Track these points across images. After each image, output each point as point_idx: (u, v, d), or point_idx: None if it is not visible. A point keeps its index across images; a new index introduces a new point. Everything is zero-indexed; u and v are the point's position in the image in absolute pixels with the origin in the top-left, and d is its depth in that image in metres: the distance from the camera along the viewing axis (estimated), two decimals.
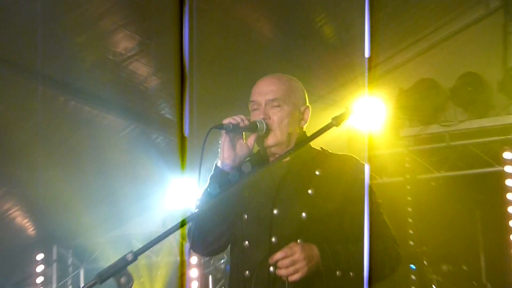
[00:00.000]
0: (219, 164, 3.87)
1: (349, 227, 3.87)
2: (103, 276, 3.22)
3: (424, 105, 9.54)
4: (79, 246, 11.37)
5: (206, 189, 3.89)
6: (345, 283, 3.72)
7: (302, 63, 8.36)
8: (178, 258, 10.56)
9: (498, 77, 9.38)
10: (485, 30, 9.79)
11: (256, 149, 4.02)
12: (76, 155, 9.16)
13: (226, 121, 3.76)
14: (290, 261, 3.57)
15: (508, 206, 9.36)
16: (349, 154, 4.11)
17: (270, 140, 3.92)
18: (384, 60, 9.97)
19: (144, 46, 7.99)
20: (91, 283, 3.37)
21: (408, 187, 9.72)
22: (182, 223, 3.53)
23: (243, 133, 3.89)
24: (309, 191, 3.85)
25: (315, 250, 3.66)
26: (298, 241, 3.70)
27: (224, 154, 3.86)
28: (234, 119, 3.77)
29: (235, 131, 3.81)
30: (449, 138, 9.70)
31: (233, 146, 3.87)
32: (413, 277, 8.45)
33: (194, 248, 4.07)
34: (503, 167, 9.52)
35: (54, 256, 11.40)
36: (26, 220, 10.49)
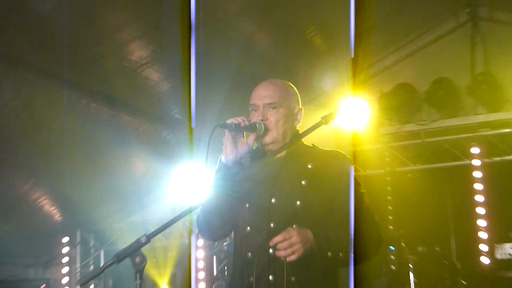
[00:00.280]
0: (222, 159, 3.90)
1: (338, 213, 3.89)
2: (120, 257, 3.28)
3: (402, 106, 9.55)
4: (100, 230, 11.37)
5: (212, 181, 3.91)
6: (335, 262, 3.80)
7: (295, 69, 8.36)
8: (187, 241, 10.56)
9: (466, 82, 9.39)
10: (455, 41, 9.79)
11: (255, 146, 4.03)
12: (97, 150, 9.15)
13: (229, 121, 3.81)
14: (288, 243, 3.61)
15: (475, 195, 9.41)
16: (337, 150, 4.13)
17: (268, 139, 3.96)
18: (367, 67, 9.97)
19: (156, 55, 7.98)
20: (110, 262, 3.39)
21: (388, 178, 9.76)
22: (189, 210, 3.56)
23: (244, 132, 3.91)
24: (303, 182, 3.90)
25: (309, 234, 3.70)
26: (294, 226, 3.73)
27: (227, 151, 3.89)
28: (236, 119, 3.82)
29: (236, 130, 3.85)
30: (424, 135, 9.72)
31: (235, 143, 3.91)
32: (392, 257, 8.45)
33: (202, 234, 4.17)
34: (471, 160, 9.57)
35: (78, 239, 11.41)
36: (53, 208, 10.49)
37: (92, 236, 11.51)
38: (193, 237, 10.26)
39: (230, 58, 8.07)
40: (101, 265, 5.40)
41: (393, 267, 8.45)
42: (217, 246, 10.39)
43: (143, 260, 3.39)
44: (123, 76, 8.17)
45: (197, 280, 10.24)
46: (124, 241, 9.41)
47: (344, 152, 4.12)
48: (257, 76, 4.61)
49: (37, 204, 10.14)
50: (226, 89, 8.06)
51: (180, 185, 9.27)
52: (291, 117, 4.09)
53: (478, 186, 9.42)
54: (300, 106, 4.17)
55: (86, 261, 11.44)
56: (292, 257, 3.63)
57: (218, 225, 4.05)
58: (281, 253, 3.63)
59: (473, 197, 9.40)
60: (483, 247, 9.08)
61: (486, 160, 9.51)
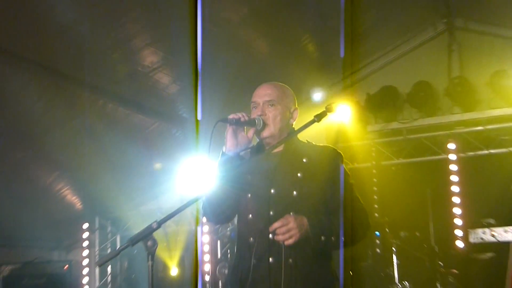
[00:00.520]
0: (224, 150, 3.96)
1: (330, 202, 3.92)
2: (134, 240, 3.32)
3: (386, 107, 9.57)
4: (116, 217, 11.36)
5: (216, 172, 3.95)
6: (328, 246, 3.85)
7: (291, 73, 8.34)
8: (194, 227, 10.56)
9: (444, 85, 9.42)
10: (433, 48, 9.82)
11: (254, 139, 4.08)
12: (113, 146, 9.14)
13: (230, 116, 3.87)
14: (286, 229, 3.67)
15: (451, 185, 9.43)
16: (329, 145, 4.19)
17: (265, 133, 4.01)
18: (355, 72, 9.97)
19: (166, 60, 7.97)
20: (125, 245, 3.43)
21: (374, 171, 9.77)
22: (196, 199, 3.66)
23: (244, 126, 3.98)
24: (299, 175, 3.93)
25: (305, 220, 3.75)
26: (291, 213, 3.76)
27: (228, 143, 3.96)
28: (236, 115, 3.88)
29: (237, 124, 3.91)
30: (406, 132, 9.73)
31: (235, 136, 3.97)
32: (377, 241, 8.44)
33: (207, 218, 4.20)
34: (447, 155, 9.59)
35: (97, 225, 11.40)
36: (74, 197, 10.50)
37: (109, 222, 11.50)
38: (199, 224, 10.27)
39: (231, 63, 8.07)
40: (117, 248, 5.40)
41: (378, 250, 8.44)
42: (221, 231, 10.40)
43: (155, 243, 3.42)
44: (136, 79, 8.17)
45: (203, 262, 10.25)
46: (138, 227, 9.39)
47: (334, 147, 4.15)
48: (256, 79, 4.63)
49: (60, 194, 10.15)
50: (228, 90, 8.06)
51: (187, 177, 9.27)
52: (287, 114, 4.13)
53: (454, 178, 9.43)
54: (296, 106, 4.21)
55: (104, 244, 11.42)
56: (290, 241, 3.69)
57: (220, 211, 4.10)
58: (279, 238, 3.69)
59: (450, 188, 9.41)
60: (458, 232, 9.10)
61: (461, 154, 9.52)
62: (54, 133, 8.34)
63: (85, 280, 10.97)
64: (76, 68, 7.69)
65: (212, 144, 3.88)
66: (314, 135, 4.40)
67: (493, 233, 8.07)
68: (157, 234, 3.44)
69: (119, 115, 8.77)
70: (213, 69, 7.59)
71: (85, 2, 6.72)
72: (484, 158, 9.41)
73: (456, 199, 9.33)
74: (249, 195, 4.00)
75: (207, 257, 10.34)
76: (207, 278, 10.10)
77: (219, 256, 10.38)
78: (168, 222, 3.59)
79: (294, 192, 3.91)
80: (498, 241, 7.99)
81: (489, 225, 8.18)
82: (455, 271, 8.08)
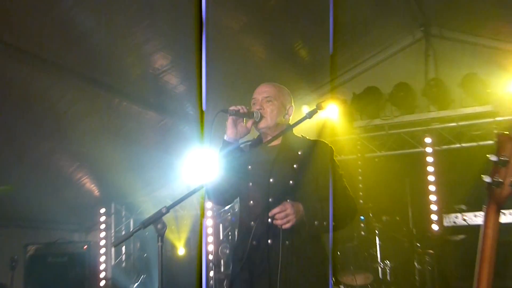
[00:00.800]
0: (225, 138, 4.04)
1: (322, 190, 3.93)
2: (145, 224, 3.33)
3: (370, 105, 9.55)
4: (130, 203, 11.33)
5: (218, 159, 4.05)
6: (320, 229, 3.86)
7: (285, 75, 8.29)
8: (199, 212, 10.54)
9: (421, 86, 9.41)
10: (412, 53, 9.80)
11: (253, 133, 4.15)
12: (127, 139, 9.13)
13: (231, 108, 3.97)
14: (284, 214, 3.69)
15: (428, 175, 9.42)
16: (321, 140, 4.20)
17: (262, 124, 4.07)
18: (342, 74, 9.99)
19: (174, 63, 7.95)
20: (137, 228, 3.40)
21: (359, 162, 9.76)
22: (200, 187, 3.69)
23: (244, 118, 4.04)
24: (294, 166, 3.97)
25: (300, 206, 3.78)
26: (288, 200, 3.77)
27: (228, 131, 4.04)
28: (236, 107, 3.98)
29: (236, 115, 3.98)
30: (387, 128, 9.70)
31: (235, 126, 4.04)
32: (362, 225, 8.42)
33: (210, 199, 4.28)
34: (424, 148, 9.56)
35: (112, 210, 11.37)
36: (93, 185, 10.47)
37: (123, 207, 11.46)
38: (203, 211, 10.28)
39: (232, 65, 8.05)
40: (131, 230, 5.37)
41: (362, 232, 8.42)
42: (222, 216, 10.38)
43: (164, 226, 3.41)
44: (148, 80, 8.15)
45: (207, 243, 10.22)
46: (149, 212, 9.38)
47: (325, 141, 4.19)
48: (254, 79, 4.65)
49: (81, 182, 10.13)
50: (229, 90, 8.04)
51: (193, 167, 9.26)
52: (283, 110, 4.15)
53: (430, 169, 9.41)
54: (292, 104, 4.25)
55: (119, 227, 11.39)
56: (287, 225, 3.71)
57: (221, 194, 4.18)
58: (278, 222, 3.71)
59: (426, 177, 9.41)
60: (434, 217, 9.08)
61: (436, 148, 9.50)
62: (75, 128, 8.31)
63: (102, 258, 10.95)
64: (95, 70, 7.66)
65: (215, 135, 3.94)
66: (307, 130, 4.39)
67: (464, 217, 8.06)
68: (166, 218, 3.41)
69: (133, 112, 8.74)
70: (216, 71, 7.57)
71: (103, 12, 6.68)
72: (457, 151, 9.40)
73: (432, 187, 9.31)
74: (250, 183, 4.03)
75: (210, 239, 10.32)
76: (210, 257, 10.08)
77: (221, 238, 10.36)
78: (176, 207, 3.58)
79: (291, 182, 3.93)
80: (469, 224, 7.98)
81: (461, 211, 8.18)
82: (430, 251, 8.06)
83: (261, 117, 4.04)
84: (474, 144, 9.20)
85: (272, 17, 7.82)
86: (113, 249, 11.12)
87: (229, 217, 10.27)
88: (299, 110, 4.33)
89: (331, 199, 3.87)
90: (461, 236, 8.11)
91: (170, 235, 10.55)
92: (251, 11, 7.59)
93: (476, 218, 7.92)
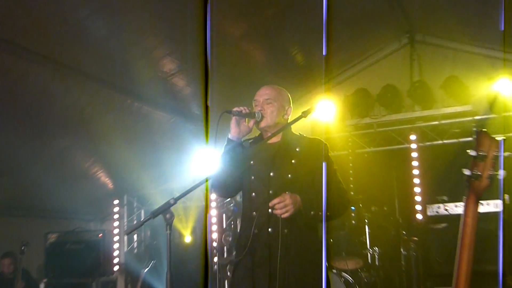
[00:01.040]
0: (229, 137, 4.03)
1: (318, 183, 3.92)
2: (155, 213, 3.35)
3: (360, 105, 9.54)
4: (141, 195, 11.32)
5: (222, 155, 4.04)
6: (316, 219, 3.88)
7: (282, 78, 8.32)
8: (204, 203, 10.55)
9: (406, 88, 9.40)
10: (398, 58, 9.81)
11: (255, 132, 4.18)
12: (138, 137, 9.14)
13: (234, 109, 3.97)
14: (283, 205, 3.70)
15: (412, 169, 9.41)
16: (317, 138, 4.22)
17: (263, 124, 4.07)
18: (335, 76, 9.99)
19: (181, 68, 7.95)
20: (148, 218, 3.42)
21: (350, 157, 9.75)
22: (205, 180, 3.74)
23: (246, 118, 4.04)
24: (293, 161, 3.99)
25: (298, 198, 3.78)
26: (287, 192, 3.77)
27: (232, 131, 4.03)
28: (239, 108, 3.97)
29: (239, 115, 3.98)
30: (376, 126, 9.69)
31: (238, 125, 4.03)
32: (353, 214, 8.41)
33: (216, 193, 4.33)
34: (409, 144, 9.56)
35: (125, 202, 11.35)
36: (107, 179, 10.48)
37: (135, 199, 11.45)
38: (208, 201, 10.27)
39: (234, 68, 8.05)
40: (141, 220, 5.37)
41: (353, 221, 8.42)
42: (225, 206, 10.37)
43: (172, 216, 3.41)
44: (157, 83, 8.15)
45: (211, 231, 10.23)
46: (158, 203, 9.33)
47: (321, 139, 4.20)
48: (253, 81, 4.69)
49: (96, 176, 10.14)
50: (231, 91, 8.04)
51: (198, 162, 9.26)
52: (282, 111, 4.16)
53: (415, 163, 9.41)
54: (290, 106, 4.25)
55: (131, 217, 11.38)
56: (286, 215, 3.73)
57: (225, 187, 4.18)
58: (278, 212, 3.73)
59: (411, 171, 9.40)
60: (418, 207, 9.09)
61: (421, 144, 9.50)
62: (91, 126, 8.32)
63: (116, 246, 10.94)
64: (109, 74, 7.68)
65: (219, 134, 3.91)
66: (303, 128, 4.44)
67: (446, 207, 8.05)
68: (174, 209, 3.42)
69: (143, 112, 8.74)
70: (219, 74, 7.57)
71: (117, 20, 6.69)
72: (439, 147, 9.40)
73: (416, 180, 9.31)
74: (252, 177, 4.05)
75: (214, 227, 10.32)
76: (214, 244, 10.08)
77: (224, 226, 10.35)
78: (183, 198, 3.57)
79: (289, 175, 3.95)
80: (450, 214, 7.97)
81: (443, 201, 8.16)
82: (415, 238, 8.06)
83: (262, 117, 4.04)
84: (455, 140, 9.19)
85: (270, 25, 7.83)
86: (125, 237, 11.11)
87: (232, 208, 10.27)
88: (295, 110, 4.33)
89: (325, 191, 3.85)
90: (443, 225, 8.10)
91: (177, 224, 10.55)
92: (251, 19, 7.60)
93: (457, 208, 7.91)
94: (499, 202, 7.21)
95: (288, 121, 4.18)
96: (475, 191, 3.13)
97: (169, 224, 3.41)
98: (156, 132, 9.31)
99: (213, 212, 10.38)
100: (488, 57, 8.68)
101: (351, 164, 9.65)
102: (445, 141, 9.33)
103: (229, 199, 9.96)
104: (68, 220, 10.52)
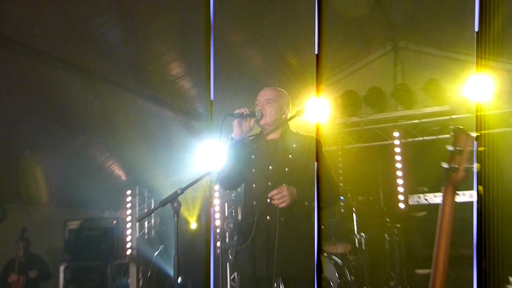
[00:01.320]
0: (232, 136, 4.04)
1: (312, 176, 3.94)
2: (164, 203, 3.44)
3: (349, 105, 9.51)
4: (151, 186, 11.29)
5: (226, 151, 4.06)
6: (310, 208, 3.91)
7: (279, 81, 8.28)
8: (208, 193, 10.54)
9: (390, 89, 9.37)
10: (383, 63, 9.77)
11: (255, 127, 4.19)
12: (148, 134, 9.13)
13: (235, 111, 3.98)
14: (280, 196, 3.75)
15: (396, 163, 9.41)
16: (312, 135, 4.25)
17: (262, 122, 4.10)
18: (326, 79, 9.96)
19: (187, 71, 7.93)
20: (157, 206, 3.45)
21: (340, 152, 9.73)
22: (209, 173, 3.90)
23: (248, 118, 4.06)
24: (290, 156, 4.02)
25: (294, 189, 3.82)
26: (284, 184, 3.82)
27: (235, 130, 4.03)
28: (240, 110, 3.99)
29: (241, 117, 3.99)
30: (363, 124, 9.65)
31: (240, 125, 4.03)
32: (342, 204, 8.40)
33: (220, 186, 4.53)
34: (393, 141, 9.54)
35: (137, 192, 11.33)
36: (121, 171, 10.47)
37: (146, 189, 11.43)
38: (212, 191, 10.27)
39: (235, 72, 8.03)
40: (152, 208, 5.38)
41: (342, 210, 8.41)
42: (227, 196, 10.38)
43: (179, 205, 3.41)
44: (166, 85, 8.13)
45: (214, 219, 10.23)
46: (166, 193, 9.33)
47: (314, 136, 4.25)
48: (252, 84, 4.71)
49: (110, 169, 10.13)
50: (233, 93, 8.02)
51: (202, 156, 9.25)
52: (281, 111, 4.19)
53: (398, 158, 9.41)
54: (289, 106, 4.29)
55: (142, 206, 11.36)
56: (283, 205, 3.76)
57: (229, 181, 4.19)
58: (275, 202, 3.77)
59: (394, 164, 9.40)
60: (401, 197, 9.09)
61: (403, 140, 9.48)
62: (105, 124, 8.31)
63: (128, 232, 10.96)
64: (122, 76, 7.66)
65: (222, 132, 3.94)
66: (298, 126, 4.47)
67: (426, 197, 8.07)
68: (181, 198, 3.42)
69: (153, 111, 8.73)
70: (222, 77, 7.56)
71: (129, 27, 6.67)
72: (420, 143, 9.39)
73: (399, 173, 9.31)
74: (253, 170, 4.08)
75: (217, 215, 10.33)
76: (217, 230, 10.09)
77: (226, 214, 10.37)
78: (189, 189, 3.58)
79: (286, 169, 3.98)
80: (430, 203, 7.99)
81: (423, 192, 8.19)
82: (398, 225, 8.08)
83: (262, 115, 4.08)
84: (434, 137, 9.18)
85: (268, 32, 7.81)
86: (137, 224, 11.11)
87: (233, 198, 10.27)
88: (291, 109, 4.40)
89: (316, 183, 3.89)
90: (423, 213, 8.12)
91: (184, 212, 10.53)
92: (250, 27, 7.59)
93: (436, 198, 7.92)
94: (473, 193, 7.23)
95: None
96: (452, 183, 3.13)
97: (177, 212, 3.42)
98: (164, 129, 9.29)
99: (216, 202, 10.39)
100: (463, 61, 8.66)
101: (340, 159, 9.65)
102: (425, 138, 9.32)
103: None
104: (85, 209, 10.51)
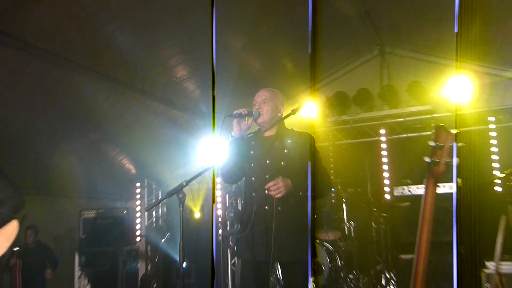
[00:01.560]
0: (232, 134, 4.04)
1: (306, 169, 3.93)
2: (170, 194, 3.46)
3: (339, 105, 9.48)
4: (158, 179, 11.29)
5: (227, 148, 4.08)
6: (304, 198, 3.90)
7: (275, 82, 8.26)
8: (211, 185, 10.56)
9: (377, 91, 9.34)
10: (370, 66, 9.74)
11: (253, 125, 4.18)
12: (156, 131, 9.15)
13: (235, 112, 3.99)
14: (277, 187, 3.78)
15: (382, 157, 9.41)
16: (306, 131, 4.27)
17: (260, 120, 4.11)
18: (318, 81, 9.94)
19: (192, 74, 7.95)
20: (164, 197, 3.46)
21: (331, 148, 9.72)
22: (211, 167, 3.92)
23: (246, 117, 4.06)
24: (285, 151, 4.03)
25: (289, 181, 3.85)
26: (280, 177, 3.84)
27: (234, 129, 4.03)
28: (239, 110, 4.01)
29: (239, 117, 4.00)
30: (352, 122, 9.62)
31: (239, 124, 4.04)
32: (333, 194, 8.40)
33: (223, 180, 4.30)
34: (380, 137, 9.53)
35: (145, 184, 11.34)
36: (131, 165, 10.48)
37: (154, 182, 11.42)
38: (214, 183, 10.27)
39: (235, 74, 8.02)
40: (159, 199, 5.38)
41: (333, 200, 8.41)
42: (228, 188, 10.37)
43: (184, 196, 3.42)
44: (172, 86, 8.14)
45: (216, 209, 10.23)
46: (172, 185, 9.32)
47: (308, 132, 4.27)
48: (251, 85, 4.72)
49: (121, 163, 10.14)
50: (234, 93, 8.02)
51: (205, 151, 9.26)
52: (276, 110, 4.20)
53: (384, 153, 9.40)
54: (284, 105, 4.30)
55: (150, 197, 11.36)
56: (279, 195, 3.79)
57: (229, 173, 4.19)
58: (272, 193, 3.79)
59: (381, 159, 9.39)
60: (386, 189, 9.10)
61: (389, 137, 9.48)
62: (116, 122, 8.31)
63: (138, 220, 10.96)
64: (132, 78, 7.67)
65: (223, 130, 3.94)
66: (293, 124, 4.47)
67: (409, 189, 8.06)
68: (186, 190, 3.42)
69: (160, 110, 8.73)
70: (224, 79, 7.56)
71: (138, 33, 6.69)
72: (404, 139, 9.37)
73: (385, 167, 9.31)
74: (252, 164, 4.08)
75: (219, 205, 10.33)
76: (219, 219, 10.10)
77: (227, 204, 10.37)
78: (193, 181, 3.59)
79: (282, 163, 3.99)
80: (413, 194, 7.98)
81: (407, 184, 8.17)
82: (384, 214, 8.07)
83: (259, 114, 4.09)
84: (417, 134, 9.17)
85: (265, 38, 7.82)
86: (146, 213, 11.12)
87: (233, 189, 10.27)
88: (286, 108, 4.41)
89: (310, 176, 3.87)
90: (407, 203, 8.12)
91: (189, 202, 10.54)
92: (249, 34, 7.58)
93: (418, 189, 7.92)
94: (453, 185, 7.24)
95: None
96: (434, 175, 3.13)
97: (182, 202, 3.42)
98: (170, 127, 9.29)
99: (218, 193, 10.39)
100: (443, 65, 8.66)
101: (331, 154, 9.64)
102: (409, 135, 9.31)
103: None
104: (99, 200, 10.52)
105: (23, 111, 7.13)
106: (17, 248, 7.74)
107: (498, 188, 7.66)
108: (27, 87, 6.80)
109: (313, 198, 3.98)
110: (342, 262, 7.79)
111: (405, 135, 9.38)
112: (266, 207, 3.91)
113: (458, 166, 3.07)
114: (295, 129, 4.29)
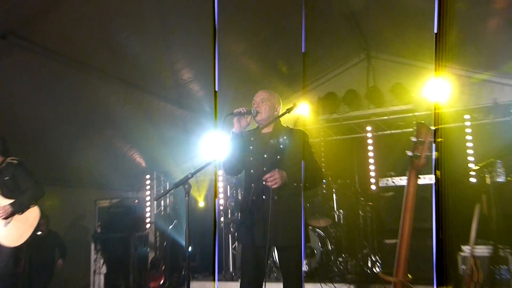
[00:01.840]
0: (233, 131, 4.03)
1: (299, 162, 3.97)
2: (177, 185, 3.43)
3: (329, 105, 9.51)
4: (166, 171, 11.26)
5: (228, 143, 4.07)
6: (298, 189, 3.91)
7: (272, 84, 8.31)
8: (213, 177, 10.54)
9: (364, 91, 9.37)
10: (358, 69, 9.74)
11: (252, 123, 4.18)
12: (163, 128, 9.12)
13: (235, 110, 3.96)
14: (273, 178, 3.78)
15: (368, 152, 9.41)
16: (300, 128, 4.29)
17: (258, 118, 4.10)
18: (311, 83, 9.96)
19: (196, 76, 7.93)
20: (171, 188, 3.46)
21: (322, 143, 9.74)
22: (213, 160, 3.85)
23: (245, 116, 4.04)
24: (281, 146, 4.01)
25: (284, 173, 3.85)
26: (276, 169, 3.84)
27: (235, 126, 4.01)
28: (239, 109, 3.98)
29: (239, 115, 3.98)
30: (341, 120, 9.62)
31: (239, 122, 4.02)
32: (324, 186, 8.40)
33: (225, 170, 4.26)
34: (366, 134, 9.54)
35: (154, 176, 11.30)
36: (141, 159, 10.46)
37: (162, 174, 11.39)
38: (217, 175, 10.26)
39: (235, 78, 8.02)
40: (167, 189, 5.38)
41: (324, 191, 8.42)
42: (229, 180, 10.36)
43: (189, 187, 3.40)
44: (178, 88, 8.12)
45: (218, 198, 10.23)
46: (179, 177, 9.32)
47: (302, 129, 4.27)
48: (250, 86, 4.71)
49: (133, 157, 10.12)
50: (234, 94, 8.01)
51: (208, 147, 9.25)
52: (273, 109, 4.20)
53: (370, 148, 9.41)
54: (280, 105, 4.30)
55: (159, 188, 11.34)
56: (275, 186, 3.79)
57: (232, 167, 4.17)
58: (269, 184, 3.79)
59: (367, 153, 9.40)
60: (372, 180, 9.10)
61: (374, 133, 9.49)
62: (128, 120, 8.28)
63: (148, 209, 10.95)
64: (141, 80, 7.65)
65: (224, 128, 3.98)
66: (289, 121, 4.49)
67: (393, 180, 8.03)
68: (191, 181, 3.41)
69: (167, 109, 8.72)
70: (225, 80, 7.54)
71: (148, 39, 6.67)
72: (388, 135, 9.39)
73: (371, 160, 9.31)
74: (251, 158, 4.09)
75: (221, 195, 10.33)
76: (221, 207, 10.10)
77: (228, 194, 10.36)
78: (197, 174, 3.59)
79: (278, 156, 3.98)
80: (396, 185, 7.96)
81: (391, 176, 8.15)
82: (370, 203, 8.06)
83: (257, 113, 4.08)
84: (400, 131, 9.19)
85: (263, 44, 7.81)
86: (155, 203, 11.10)
87: (234, 181, 10.26)
88: (282, 108, 4.43)
89: (303, 168, 3.93)
90: (391, 193, 8.10)
91: (194, 192, 10.53)
92: (248, 39, 7.58)
93: (401, 181, 7.90)
94: (432, 176, 7.24)
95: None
96: (415, 168, 3.13)
97: (188, 192, 3.41)
98: (177, 125, 9.28)
99: (220, 184, 10.39)
100: (424, 68, 8.68)
101: (322, 148, 9.64)
102: (392, 131, 9.32)
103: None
104: (112, 190, 10.49)
105: (44, 110, 7.11)
106: (40, 233, 7.72)
107: (473, 180, 7.68)
108: (47, 89, 6.79)
109: (306, 188, 4.03)
110: (332, 247, 7.80)
111: (389, 132, 9.39)
112: (263, 197, 3.91)
113: (437, 160, 3.08)
114: (290, 127, 4.31)
